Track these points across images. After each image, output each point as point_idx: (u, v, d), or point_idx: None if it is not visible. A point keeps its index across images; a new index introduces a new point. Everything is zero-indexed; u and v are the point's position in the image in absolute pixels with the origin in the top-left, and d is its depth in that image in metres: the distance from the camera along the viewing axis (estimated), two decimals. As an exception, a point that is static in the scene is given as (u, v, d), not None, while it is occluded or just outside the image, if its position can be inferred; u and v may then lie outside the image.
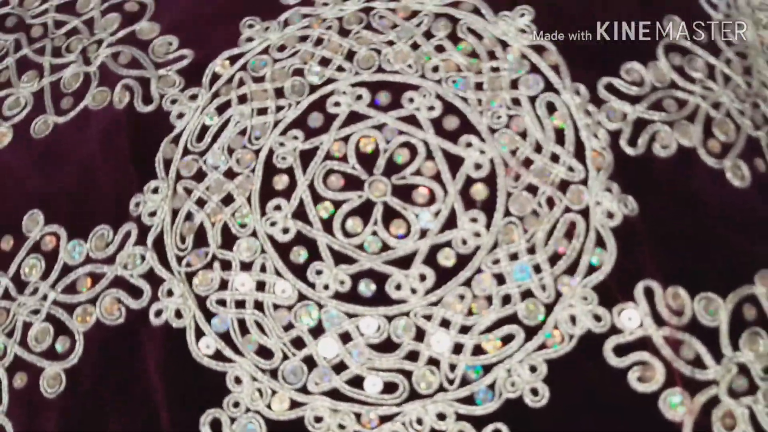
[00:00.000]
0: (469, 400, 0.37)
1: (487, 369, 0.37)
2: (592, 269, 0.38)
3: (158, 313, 0.39)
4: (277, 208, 0.40)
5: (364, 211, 0.40)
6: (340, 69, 0.43)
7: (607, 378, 0.37)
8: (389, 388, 0.37)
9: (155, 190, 0.41)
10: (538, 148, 0.40)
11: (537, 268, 0.38)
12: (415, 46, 0.43)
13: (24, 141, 0.45)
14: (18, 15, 0.49)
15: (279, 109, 0.42)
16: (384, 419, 0.37)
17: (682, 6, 0.45)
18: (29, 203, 0.43)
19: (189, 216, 0.41)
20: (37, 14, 0.49)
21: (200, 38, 0.45)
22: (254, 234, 0.40)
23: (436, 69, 0.42)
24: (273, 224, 0.40)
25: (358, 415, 0.37)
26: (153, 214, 0.41)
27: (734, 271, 0.39)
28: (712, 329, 0.38)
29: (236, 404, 0.37)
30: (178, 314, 0.39)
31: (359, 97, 0.42)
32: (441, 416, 0.37)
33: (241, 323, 0.39)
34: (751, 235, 0.40)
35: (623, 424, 0.36)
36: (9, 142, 0.45)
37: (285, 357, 0.38)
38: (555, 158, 0.40)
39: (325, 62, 0.43)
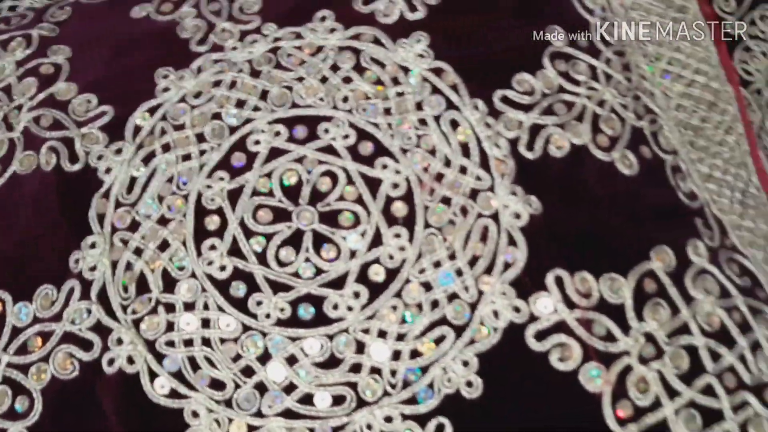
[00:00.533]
0: (412, 400, 0.40)
1: (424, 370, 0.41)
2: (507, 266, 0.42)
3: (111, 362, 0.41)
4: (212, 247, 0.43)
5: (295, 240, 0.42)
6: (256, 108, 0.46)
7: (532, 362, 0.41)
8: (338, 400, 0.40)
9: (93, 245, 0.43)
10: (448, 163, 0.44)
11: (459, 272, 0.42)
12: (324, 80, 0.46)
13: (-43, 212, 0.46)
14: (-66, 88, 0.50)
15: (202, 153, 0.45)
16: (336, 429, 0.40)
17: (562, 15, 0.49)
18: (-31, 272, 0.44)
19: (128, 266, 0.43)
20: (-46, 86, 0.50)
21: (118, 93, 0.47)
22: (193, 275, 0.42)
23: (345, 99, 0.45)
24: (210, 263, 0.42)
25: (311, 430, 0.40)
26: (93, 268, 0.43)
27: (631, 251, 0.43)
28: (618, 306, 0.42)
29: (197, 436, 0.40)
30: (131, 360, 0.41)
31: (277, 134, 0.45)
32: (388, 419, 0.40)
33: (192, 360, 0.41)
34: (643, 217, 0.45)
35: (551, 401, 0.41)
36: (-59, 215, 0.46)
37: (237, 386, 0.40)
38: (463, 170, 0.44)
39: (240, 104, 0.46)
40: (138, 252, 0.43)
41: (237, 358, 0.41)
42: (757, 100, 0.67)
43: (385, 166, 0.44)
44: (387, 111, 0.45)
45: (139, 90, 0.47)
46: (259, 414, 0.40)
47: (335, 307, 0.41)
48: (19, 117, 0.47)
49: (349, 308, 0.41)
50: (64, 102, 0.47)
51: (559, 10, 0.50)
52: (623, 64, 0.50)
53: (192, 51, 0.48)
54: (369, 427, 0.40)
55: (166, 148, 0.45)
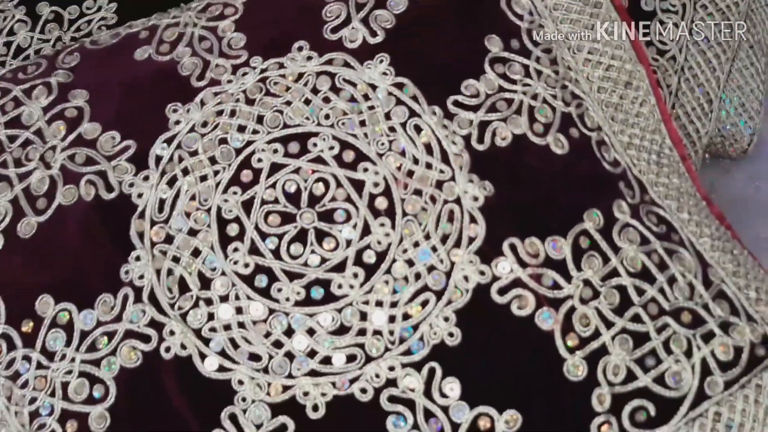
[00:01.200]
0: (408, 352, 0.51)
1: (415, 328, 0.52)
2: (471, 240, 0.53)
3: (167, 350, 0.51)
4: (236, 249, 0.53)
5: (301, 236, 0.53)
6: (255, 132, 0.55)
7: (497, 312, 0.52)
8: (350, 358, 0.51)
9: (137, 258, 0.53)
10: (416, 161, 0.54)
11: (434, 249, 0.53)
12: (307, 102, 0.56)
13: (16, 243, 0.55)
14: (-28, 137, 0.59)
15: (216, 173, 0.54)
16: (352, 381, 0.51)
17: (497, 24, 0.59)
18: (37, 291, 0.53)
19: (170, 272, 0.53)
20: (-11, 133, 0.59)
21: (136, 128, 0.56)
22: (223, 273, 0.52)
23: (327, 117, 0.55)
24: (236, 263, 0.53)
25: (333, 383, 0.51)
26: (141, 276, 0.53)
27: (568, 216, 0.55)
28: (561, 260, 0.53)
29: (243, 399, 0.51)
30: (183, 346, 0.51)
31: (275, 151, 0.55)
32: (391, 368, 0.51)
33: (232, 341, 0.52)
34: (576, 187, 0.56)
35: (515, 341, 0.52)
36: (3, 246, 0.55)
37: (270, 356, 0.51)
38: (429, 166, 0.54)
39: (241, 129, 0.55)
40: (176, 260, 0.53)
41: (267, 335, 0.51)
42: (672, 66, 0.78)
43: (366, 169, 0.54)
44: (362, 123, 0.55)
45: (155, 124, 0.56)
46: (290, 376, 0.51)
47: (340, 286, 0.52)
48: (54, 156, 0.56)
49: (351, 286, 0.52)
50: (92, 140, 0.56)
51: (494, 20, 0.59)
52: (551, 59, 0.60)
53: (193, 86, 0.57)
54: (377, 375, 0.51)
55: (185, 171, 0.55)
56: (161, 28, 0.60)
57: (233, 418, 0.50)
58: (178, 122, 0.56)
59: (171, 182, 0.55)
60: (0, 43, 0.79)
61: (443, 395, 0.51)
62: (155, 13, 0.65)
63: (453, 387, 0.51)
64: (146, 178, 0.55)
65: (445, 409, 0.50)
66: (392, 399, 0.50)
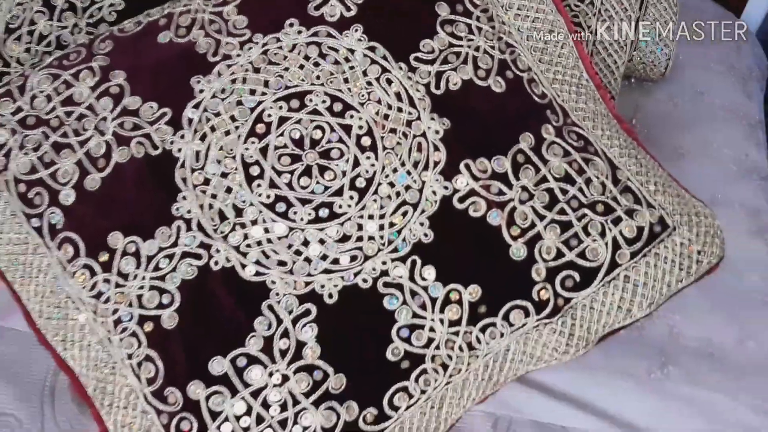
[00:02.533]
0: (395, 250, 0.69)
1: (399, 232, 0.69)
2: (436, 164, 0.70)
3: (216, 263, 0.68)
4: (259, 185, 0.69)
5: (307, 171, 0.70)
6: (263, 93, 0.71)
7: (458, 216, 0.70)
8: (353, 258, 0.69)
9: (184, 197, 0.69)
10: (389, 107, 0.71)
11: (408, 172, 0.70)
12: (301, 67, 0.72)
13: (85, 195, 0.71)
14: (35, 115, 0.73)
15: (236, 128, 0.70)
16: (356, 274, 0.69)
17: (444, -8, 0.75)
18: (108, 230, 0.70)
19: (210, 206, 0.69)
20: (49, 111, 0.73)
21: (169, 98, 0.72)
22: (252, 204, 0.69)
23: (318, 77, 0.71)
24: (260, 195, 0.69)
25: (342, 277, 0.69)
26: (189, 211, 0.69)
27: (507, 140, 0.72)
28: (503, 173, 0.71)
29: (276, 294, 0.68)
30: (227, 260, 0.68)
31: (281, 107, 0.71)
32: (383, 263, 0.69)
33: (263, 252, 0.69)
34: (513, 117, 0.73)
35: (473, 235, 0.70)
36: (75, 199, 0.71)
37: (293, 262, 0.69)
38: (400, 110, 0.71)
39: (252, 92, 0.71)
40: (214, 196, 0.69)
41: (290, 246, 0.69)
42: (591, 10, 0.95)
43: (351, 116, 0.70)
44: (345, 80, 0.71)
45: (183, 93, 0.71)
46: (309, 275, 0.68)
47: (340, 206, 0.69)
48: (106, 125, 0.72)
49: (349, 206, 0.69)
50: (135, 110, 0.72)
51: (442, -11, 0.75)
52: (488, 17, 0.76)
53: (210, 61, 0.72)
54: (373, 269, 0.69)
55: (212, 129, 0.71)
56: (176, 15, 0.75)
57: (270, 307, 0.68)
58: (201, 91, 0.72)
59: (202, 138, 0.71)
60: (25, 32, 0.93)
61: (423, 278, 0.69)
62: (167, 2, 0.80)
63: (429, 272, 0.69)
64: (182, 137, 0.71)
65: (425, 288, 0.69)
66: (386, 284, 0.68)
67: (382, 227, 0.69)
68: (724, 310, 0.91)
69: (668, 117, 1.15)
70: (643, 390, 0.83)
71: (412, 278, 0.69)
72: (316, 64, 0.72)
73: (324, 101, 0.71)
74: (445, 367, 0.69)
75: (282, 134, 0.70)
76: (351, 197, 0.69)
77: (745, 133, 1.12)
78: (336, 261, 0.69)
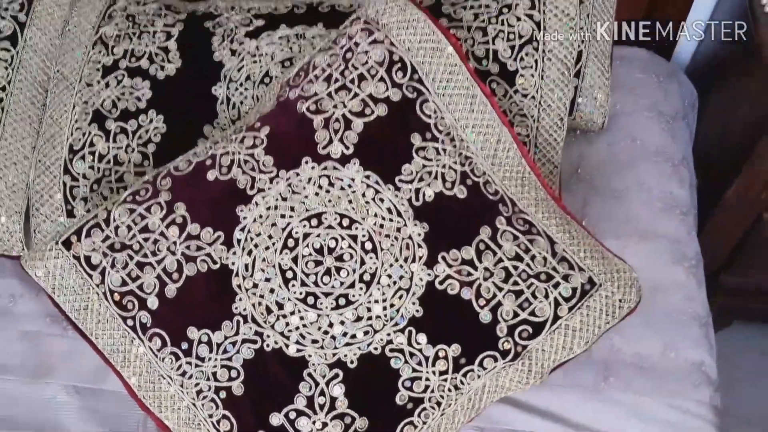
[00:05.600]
0: (396, 324, 0.95)
1: (398, 310, 0.95)
2: (420, 258, 0.96)
3: (267, 345, 0.94)
4: (293, 285, 0.95)
5: (328, 272, 0.95)
6: (290, 216, 0.96)
7: (439, 294, 0.96)
8: (366, 333, 0.95)
9: (240, 299, 0.95)
10: (383, 218, 0.96)
11: (401, 266, 0.96)
12: (316, 194, 0.97)
13: (166, 301, 0.96)
14: (120, 241, 0.98)
15: (273, 244, 0.96)
16: (368, 344, 0.95)
17: (415, 125, 1.00)
18: (186, 325, 0.95)
19: (259, 303, 0.95)
20: (130, 238, 0.98)
21: (221, 224, 0.97)
22: (289, 299, 0.95)
23: (330, 200, 0.97)
24: (295, 293, 0.95)
25: (359, 347, 0.95)
26: (245, 309, 0.95)
27: (470, 233, 0.97)
28: (470, 259, 0.97)
29: (313, 364, 0.94)
30: (275, 342, 0.94)
31: (304, 226, 0.96)
32: (388, 334, 0.95)
33: (301, 335, 0.95)
34: (474, 214, 0.99)
35: (450, 308, 0.96)
36: (158, 304, 0.96)
37: (323, 339, 0.94)
38: (391, 220, 0.96)
39: (282, 216, 0.97)
40: (261, 296, 0.95)
41: (319, 328, 0.94)
42: (533, 103, 1.19)
43: (356, 228, 0.96)
44: (350, 201, 0.97)
45: (231, 220, 0.96)
46: (335, 348, 0.94)
47: (353, 296, 0.95)
48: (177, 248, 0.97)
49: (359, 295, 0.95)
50: (197, 235, 0.97)
51: (414, 122, 1.00)
52: (450, 138, 1.01)
53: (248, 194, 0.97)
54: (381, 339, 0.95)
55: (255, 246, 0.96)
56: (218, 156, 1.00)
57: (310, 374, 0.94)
58: (245, 217, 0.97)
59: (249, 253, 0.96)
60: (87, 152, 1.17)
61: (417, 343, 0.95)
62: (208, 139, 1.04)
63: (422, 338, 0.95)
64: (234, 253, 0.96)
65: (420, 350, 0.95)
66: (392, 350, 0.95)
67: (385, 308, 0.95)
68: (651, 327, 1.16)
69: (607, 162, 1.38)
70: (591, 398, 1.09)
71: (410, 344, 0.95)
72: (327, 191, 0.97)
73: (335, 218, 0.96)
74: (439, 404, 0.96)
75: (307, 246, 0.96)
76: (361, 288, 0.95)
77: (669, 173, 1.36)
78: (354, 336, 0.95)
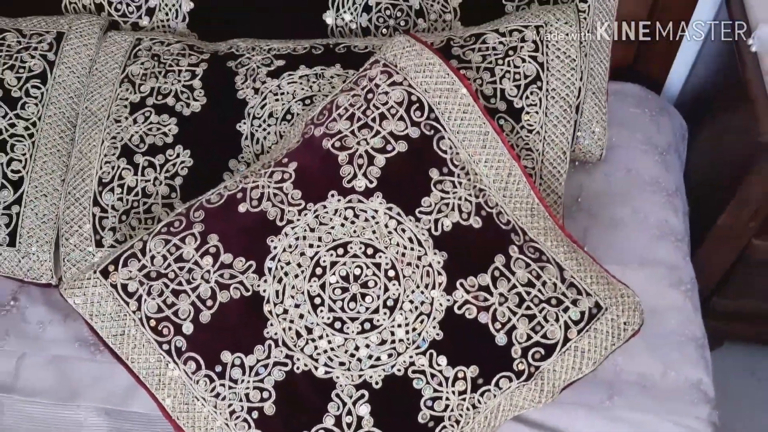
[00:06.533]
0: (418, 347, 1.01)
1: (419, 334, 1.02)
2: (440, 284, 1.03)
3: (297, 368, 1.00)
4: (321, 311, 1.01)
5: (354, 298, 1.02)
6: (318, 246, 1.03)
7: (458, 318, 1.02)
8: (390, 356, 1.01)
9: (271, 324, 1.01)
10: (405, 247, 1.03)
11: (422, 292, 1.02)
12: (342, 225, 1.03)
13: (200, 326, 1.02)
14: (156, 270, 1.04)
15: (302, 272, 1.02)
16: (392, 366, 1.01)
17: (433, 160, 1.07)
18: (220, 349, 1.01)
19: (289, 328, 1.01)
20: (165, 267, 1.04)
21: (253, 254, 1.03)
22: (318, 324, 1.01)
23: (355, 231, 1.03)
24: (323, 318, 1.01)
25: (383, 369, 1.01)
26: (276, 333, 1.01)
27: (486, 261, 1.04)
28: (486, 285, 1.04)
29: (341, 385, 1.00)
30: (305, 365, 1.00)
31: (331, 255, 1.02)
32: (410, 357, 1.01)
33: (329, 357, 1.01)
34: (488, 243, 1.06)
35: (468, 331, 1.02)
36: (193, 330, 1.02)
37: (350, 362, 1.01)
38: (412, 249, 1.03)
39: (311, 246, 1.03)
40: (291, 321, 1.01)
41: (346, 351, 1.00)
42: (539, 137, 1.27)
43: (380, 256, 1.02)
44: (373, 232, 1.03)
45: (263, 250, 1.03)
46: (361, 369, 1.00)
47: (378, 321, 1.01)
48: (210, 276, 1.03)
49: (384, 320, 1.01)
50: (229, 264, 1.03)
51: (431, 158, 1.07)
52: (465, 172, 1.09)
53: (278, 225, 1.04)
54: (404, 361, 1.01)
55: (285, 274, 1.02)
56: (249, 189, 1.06)
57: (337, 395, 1.00)
58: (275, 247, 1.03)
59: (279, 281, 1.02)
60: (116, 185, 1.24)
61: (438, 365, 1.01)
62: (234, 173, 1.11)
63: (442, 360, 1.02)
64: (265, 281, 1.02)
65: (440, 371, 1.01)
66: (414, 371, 1.01)
67: (407, 332, 1.02)
68: (652, 348, 1.24)
69: (606, 192, 1.46)
70: (597, 416, 1.16)
71: (431, 365, 1.01)
72: (353, 222, 1.04)
73: (360, 248, 1.03)
74: (458, 422, 1.02)
75: (334, 273, 1.02)
76: (384, 313, 1.02)
77: (663, 202, 1.44)
78: (378, 358, 1.01)
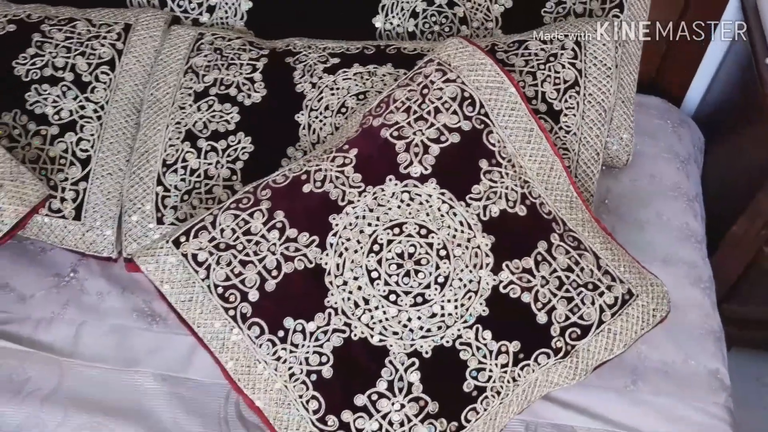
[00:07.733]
0: (465, 321, 1.10)
1: (467, 309, 1.11)
2: (487, 265, 1.11)
3: (355, 335, 1.09)
4: (377, 284, 1.10)
5: (408, 274, 1.10)
6: (376, 225, 1.12)
7: (503, 297, 1.11)
8: (439, 328, 1.10)
9: (332, 294, 1.09)
10: (455, 230, 1.12)
11: (470, 271, 1.11)
12: (398, 207, 1.12)
13: (265, 294, 1.10)
14: (225, 242, 1.12)
15: (361, 248, 1.11)
16: (441, 338, 1.09)
17: (482, 151, 1.17)
18: (282, 316, 1.09)
19: (348, 298, 1.10)
20: (234, 239, 1.12)
21: (317, 230, 1.12)
22: (374, 296, 1.10)
23: (410, 213, 1.12)
24: (379, 291, 1.10)
25: (433, 340, 1.09)
26: (336, 302, 1.09)
27: (530, 245, 1.13)
28: (530, 268, 1.12)
29: (394, 353, 1.08)
30: (362, 333, 1.09)
31: (388, 233, 1.11)
32: (458, 330, 1.10)
33: (384, 327, 1.09)
34: (532, 230, 1.15)
35: (512, 309, 1.11)
36: (258, 297, 1.10)
37: (402, 332, 1.09)
38: (462, 231, 1.12)
39: (369, 224, 1.12)
40: (350, 292, 1.10)
41: (399, 321, 1.09)
42: (575, 138, 1.36)
43: (432, 237, 1.11)
44: (427, 214, 1.12)
45: (325, 227, 1.11)
46: (412, 340, 1.09)
47: (429, 296, 1.10)
48: (276, 248, 1.11)
49: (434, 295, 1.10)
50: (294, 238, 1.11)
51: (481, 149, 1.16)
52: (512, 164, 1.18)
53: (339, 205, 1.13)
54: (452, 334, 1.09)
55: (346, 249, 1.11)
56: (312, 172, 1.15)
57: (390, 362, 1.08)
58: (336, 225, 1.12)
59: (340, 255, 1.11)
60: (179, 167, 1.32)
61: (483, 339, 1.10)
62: (292, 159, 1.20)
63: (488, 334, 1.10)
64: (327, 254, 1.11)
65: (485, 345, 1.10)
66: (461, 343, 1.10)
67: (456, 307, 1.10)
68: (673, 339, 1.32)
69: (631, 196, 1.55)
70: (622, 399, 1.24)
71: (477, 339, 1.10)
72: (408, 204, 1.13)
73: (415, 228, 1.12)
74: (498, 393, 1.10)
75: (390, 251, 1.11)
76: (436, 289, 1.10)
77: (685, 207, 1.54)
78: (429, 330, 1.10)
